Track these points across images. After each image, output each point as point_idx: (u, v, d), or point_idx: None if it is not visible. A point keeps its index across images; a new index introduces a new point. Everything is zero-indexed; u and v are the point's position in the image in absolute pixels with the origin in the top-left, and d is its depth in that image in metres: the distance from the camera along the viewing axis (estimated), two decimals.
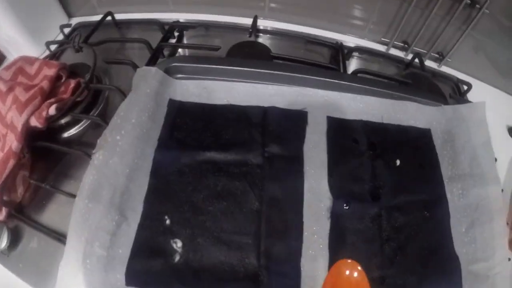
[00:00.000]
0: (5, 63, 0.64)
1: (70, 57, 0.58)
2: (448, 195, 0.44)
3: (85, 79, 0.50)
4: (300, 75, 0.47)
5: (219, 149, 0.43)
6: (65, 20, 0.70)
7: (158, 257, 0.36)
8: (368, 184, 0.42)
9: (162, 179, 0.41)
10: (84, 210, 0.35)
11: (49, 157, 0.47)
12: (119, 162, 0.39)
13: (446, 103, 0.52)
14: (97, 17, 0.65)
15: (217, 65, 0.49)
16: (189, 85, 0.48)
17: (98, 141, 0.39)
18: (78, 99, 0.49)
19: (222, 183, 0.41)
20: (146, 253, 0.36)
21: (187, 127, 0.45)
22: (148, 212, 0.38)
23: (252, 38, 0.61)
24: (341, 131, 0.45)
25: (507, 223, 0.45)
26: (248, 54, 0.57)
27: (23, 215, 0.43)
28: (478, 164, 0.45)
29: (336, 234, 0.38)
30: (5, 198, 0.42)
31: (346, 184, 0.42)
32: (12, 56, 0.64)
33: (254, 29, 0.60)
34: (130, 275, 0.35)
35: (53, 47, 0.63)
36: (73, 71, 0.52)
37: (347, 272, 0.30)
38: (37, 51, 0.63)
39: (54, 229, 0.41)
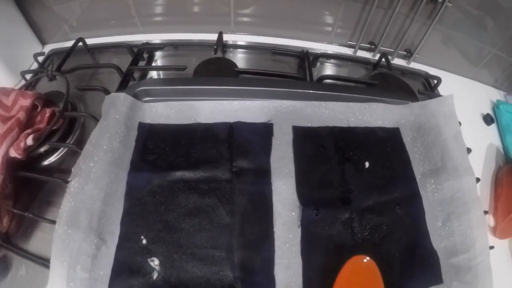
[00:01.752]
0: None
1: (45, 86, 0.59)
2: (422, 191, 0.45)
3: (58, 107, 0.51)
4: (264, 88, 0.48)
5: (189, 168, 0.44)
6: (39, 48, 0.72)
7: (137, 276, 0.37)
8: (338, 189, 0.43)
9: (136, 201, 0.42)
10: (64, 236, 0.37)
11: (31, 186, 0.48)
12: (94, 187, 0.40)
13: (415, 100, 0.52)
14: (70, 43, 0.66)
15: (182, 85, 0.51)
16: (158, 107, 0.49)
17: (73, 169, 0.41)
18: (54, 127, 0.50)
19: (193, 200, 0.42)
20: (126, 273, 0.37)
21: (157, 148, 0.46)
22: (125, 234, 0.40)
23: (219, 54, 0.63)
24: (307, 139, 0.46)
25: (486, 212, 0.46)
26: (214, 71, 0.58)
27: (10, 244, 0.44)
28: (450, 157, 0.45)
29: (308, 241, 0.39)
30: None
31: (315, 191, 0.42)
32: None
33: (220, 45, 0.62)
34: None
35: (28, 76, 0.63)
36: (48, 99, 0.53)
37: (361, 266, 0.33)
38: (13, 81, 0.64)
39: (41, 255, 0.42)
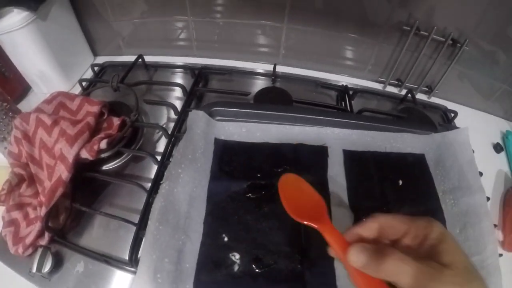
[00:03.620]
0: (34, 96, 0.66)
1: (101, 95, 0.63)
2: (443, 205, 0.54)
3: (131, 118, 0.55)
4: (318, 117, 0.59)
5: (261, 179, 0.52)
6: (91, 58, 0.76)
7: (220, 268, 0.42)
8: (379, 200, 0.53)
9: (217, 204, 0.47)
10: (155, 231, 0.40)
11: (91, 187, 0.50)
12: (181, 191, 0.45)
13: (436, 131, 0.61)
14: (122, 57, 0.71)
15: (251, 109, 0.60)
16: (230, 126, 0.57)
17: (165, 173, 0.46)
18: (124, 135, 0.53)
19: (267, 205, 0.49)
20: (210, 266, 0.42)
21: (232, 161, 0.53)
22: (208, 232, 0.45)
23: (274, 84, 0.73)
24: (355, 161, 0.56)
25: (495, 225, 0.53)
26: (271, 98, 0.68)
27: (66, 240, 0.46)
28: (465, 178, 0.54)
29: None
30: (49, 224, 0.45)
31: (362, 201, 0.52)
32: (39, 89, 0.67)
33: (275, 76, 0.72)
34: (198, 285, 0.41)
35: (83, 83, 0.67)
36: (111, 108, 0.57)
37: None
38: (66, 86, 0.68)
39: (100, 251, 0.44)
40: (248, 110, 0.59)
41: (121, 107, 0.60)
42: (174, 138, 0.57)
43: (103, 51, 0.78)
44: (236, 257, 0.44)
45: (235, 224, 0.46)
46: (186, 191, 0.46)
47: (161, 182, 0.45)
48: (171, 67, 0.74)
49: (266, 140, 0.57)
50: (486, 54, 0.69)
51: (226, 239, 0.45)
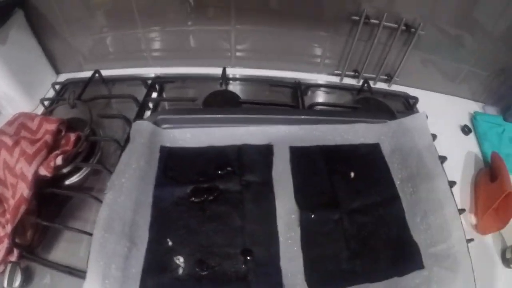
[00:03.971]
0: (3, 118, 0.63)
1: (62, 112, 0.64)
2: (401, 194, 0.52)
3: (84, 133, 0.56)
4: (264, 116, 0.57)
5: (205, 182, 0.51)
6: (53, 76, 0.76)
7: (165, 272, 0.43)
8: (329, 195, 0.51)
9: (162, 210, 0.48)
10: (101, 239, 0.41)
11: (55, 203, 0.52)
12: (126, 199, 0.45)
13: (394, 118, 0.59)
14: (83, 73, 0.72)
15: (196, 115, 0.58)
16: (175, 133, 0.56)
17: (108, 183, 0.46)
18: (80, 150, 0.54)
19: (210, 208, 0.49)
20: (155, 270, 0.43)
21: (177, 166, 0.53)
22: (153, 238, 0.45)
23: (224, 87, 0.71)
24: (302, 157, 0.54)
25: (464, 210, 0.51)
26: (220, 101, 0.67)
27: (34, 255, 0.47)
28: (424, 165, 0.52)
29: (307, 238, 0.46)
30: (16, 240, 0.46)
31: (310, 198, 0.50)
32: (6, 111, 0.68)
33: (224, 79, 0.71)
34: None
35: (45, 102, 0.68)
36: (69, 125, 0.58)
37: None
38: (30, 107, 0.68)
39: (65, 264, 0.46)
40: (193, 116, 0.58)
41: (79, 123, 0.61)
42: None
43: (64, 68, 0.79)
44: (180, 260, 0.44)
45: (179, 228, 0.47)
46: (131, 199, 0.46)
47: (104, 192, 0.45)
48: (127, 79, 0.74)
49: (210, 144, 0.56)
50: (451, 37, 0.68)
51: (170, 243, 0.45)
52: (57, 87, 0.73)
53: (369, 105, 0.68)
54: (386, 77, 0.78)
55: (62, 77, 0.77)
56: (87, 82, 0.68)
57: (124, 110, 0.66)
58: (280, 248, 0.46)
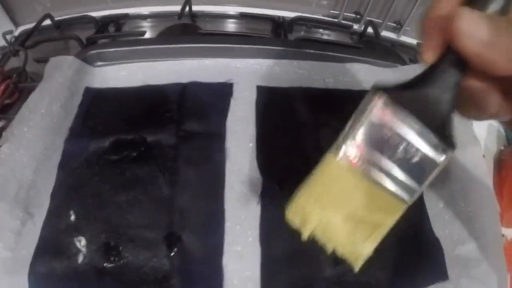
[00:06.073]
0: None
1: (15, 63, 0.57)
2: None
3: (12, 80, 0.48)
4: (225, 45, 0.41)
5: (129, 133, 0.38)
6: (10, 27, 0.69)
7: (61, 257, 0.33)
8: (311, 158, 0.34)
9: (71, 171, 0.37)
10: None
11: None
12: (25, 154, 0.37)
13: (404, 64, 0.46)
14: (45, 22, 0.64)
15: (135, 46, 0.44)
16: (108, 70, 0.45)
17: (3, 133, 0.38)
18: (8, 101, 0.47)
19: (130, 169, 0.36)
20: (49, 254, 0.34)
21: (100, 113, 0.41)
22: (54, 208, 0.36)
23: (187, 21, 0.57)
24: (274, 100, 0.38)
25: None
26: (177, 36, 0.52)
27: None
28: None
29: (269, 223, 0.31)
30: None
31: (281, 160, 0.35)
32: None
33: (183, 10, 0.55)
34: (33, 279, 0.32)
35: None
36: (10, 75, 0.51)
37: None
38: None
39: None
40: (132, 47, 0.45)
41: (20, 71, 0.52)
42: None
43: (24, 20, 0.70)
44: (81, 243, 0.34)
45: (87, 196, 0.36)
46: (33, 154, 0.38)
47: None
48: (78, 20, 0.64)
49: (148, 82, 0.42)
50: None
51: (73, 217, 0.36)
52: (9, 37, 0.63)
53: (374, 50, 0.52)
54: (394, 25, 0.62)
55: (21, 30, 0.69)
56: (34, 27, 0.59)
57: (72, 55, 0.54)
58: (225, 236, 0.31)
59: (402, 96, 0.19)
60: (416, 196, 0.21)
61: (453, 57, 0.18)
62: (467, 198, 0.35)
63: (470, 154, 0.37)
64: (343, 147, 0.20)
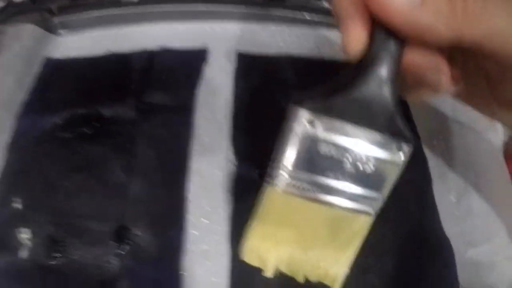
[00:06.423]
0: None
1: None
2: (427, 151, 0.32)
3: None
4: (203, 9, 0.37)
5: (86, 108, 0.34)
6: None
7: (3, 251, 0.30)
8: None
9: (21, 152, 0.34)
10: None
11: None
12: None
13: None
14: None
15: (100, 9, 0.40)
16: (70, 40, 0.41)
17: None
18: None
19: (83, 150, 0.32)
20: None
21: (58, 87, 0.37)
22: (1, 195, 0.32)
23: None
24: (256, 70, 0.33)
25: None
26: None
27: None
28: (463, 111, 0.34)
29: (243, 218, 0.25)
30: None
31: (260, 140, 0.29)
32: None
33: None
34: None
35: None
36: None
37: None
38: None
39: None
40: (97, 12, 0.41)
41: None
42: None
43: None
44: (27, 235, 0.31)
45: (35, 181, 0.33)
46: None
47: None
48: None
49: (111, 50, 0.38)
50: None
51: (19, 205, 0.32)
52: None
53: None
54: None
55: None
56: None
57: None
58: (187, 232, 0.27)
59: (333, 103, 0.17)
60: (380, 203, 0.19)
61: (382, 38, 0.16)
62: (483, 190, 0.30)
63: (486, 141, 0.33)
64: (279, 176, 0.18)
